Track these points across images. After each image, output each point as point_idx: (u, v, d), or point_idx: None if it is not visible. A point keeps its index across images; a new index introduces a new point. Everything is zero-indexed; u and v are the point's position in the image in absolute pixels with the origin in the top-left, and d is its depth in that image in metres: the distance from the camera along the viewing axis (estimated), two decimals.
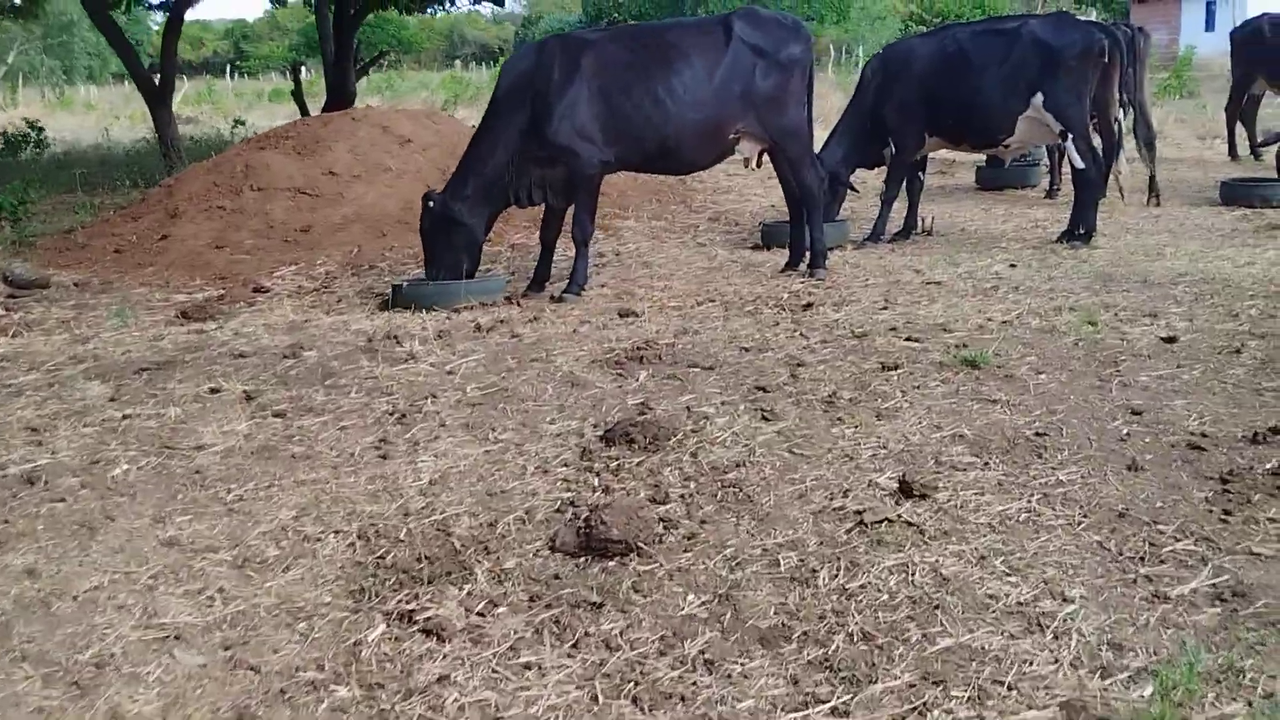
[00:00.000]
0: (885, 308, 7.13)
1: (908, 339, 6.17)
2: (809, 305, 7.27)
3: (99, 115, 30.93)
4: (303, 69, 28.09)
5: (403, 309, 7.95)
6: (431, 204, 8.14)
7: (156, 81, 16.86)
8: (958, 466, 4.53)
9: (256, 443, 4.90)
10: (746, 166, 8.77)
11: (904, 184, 10.55)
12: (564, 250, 8.96)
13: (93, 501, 4.38)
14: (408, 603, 3.55)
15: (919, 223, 10.80)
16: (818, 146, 10.03)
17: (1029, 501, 4.20)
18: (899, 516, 4.08)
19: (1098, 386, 5.37)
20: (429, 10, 20.95)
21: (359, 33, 21.36)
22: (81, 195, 14.30)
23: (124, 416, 5.28)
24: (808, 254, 8.90)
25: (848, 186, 10.49)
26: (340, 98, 19.26)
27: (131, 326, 7.68)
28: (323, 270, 9.84)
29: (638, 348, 5.99)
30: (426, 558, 3.88)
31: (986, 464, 4.56)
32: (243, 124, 22.12)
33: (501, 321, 6.96)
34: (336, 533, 4.10)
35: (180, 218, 10.86)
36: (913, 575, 3.63)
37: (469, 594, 3.62)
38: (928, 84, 9.98)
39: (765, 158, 8.82)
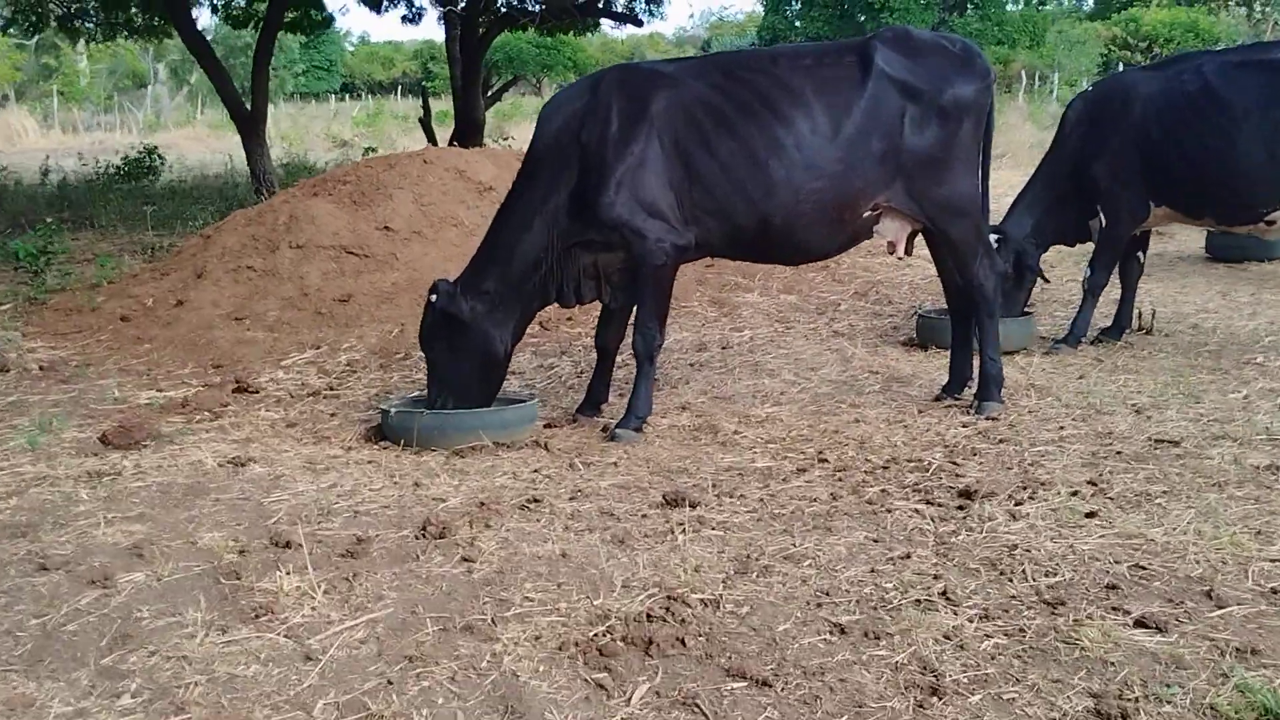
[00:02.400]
0: (1092, 514, 4.25)
1: (1139, 622, 3.34)
2: (968, 496, 4.48)
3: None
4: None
5: (392, 443, 5.59)
6: (435, 298, 5.74)
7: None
8: None
9: None
10: (892, 254, 6.04)
11: (1117, 267, 7.61)
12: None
13: None
14: None
15: (1134, 318, 7.82)
16: (998, 216, 7.23)
17: None
18: None
19: None
20: (569, 32, 18.73)
21: (496, 54, 19.23)
22: (152, 235, 12.54)
23: None
24: (974, 376, 6.15)
25: (1037, 273, 7.57)
26: (467, 126, 17.23)
27: (38, 451, 5.54)
28: (344, 359, 7.57)
29: (652, 614, 3.36)
30: None
31: None
32: (373, 150, 20.40)
33: (480, 505, 4.41)
34: None
35: (205, 278, 8.80)
36: None
37: None
38: (1155, 134, 7.02)
39: (918, 240, 6.09)
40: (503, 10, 16.65)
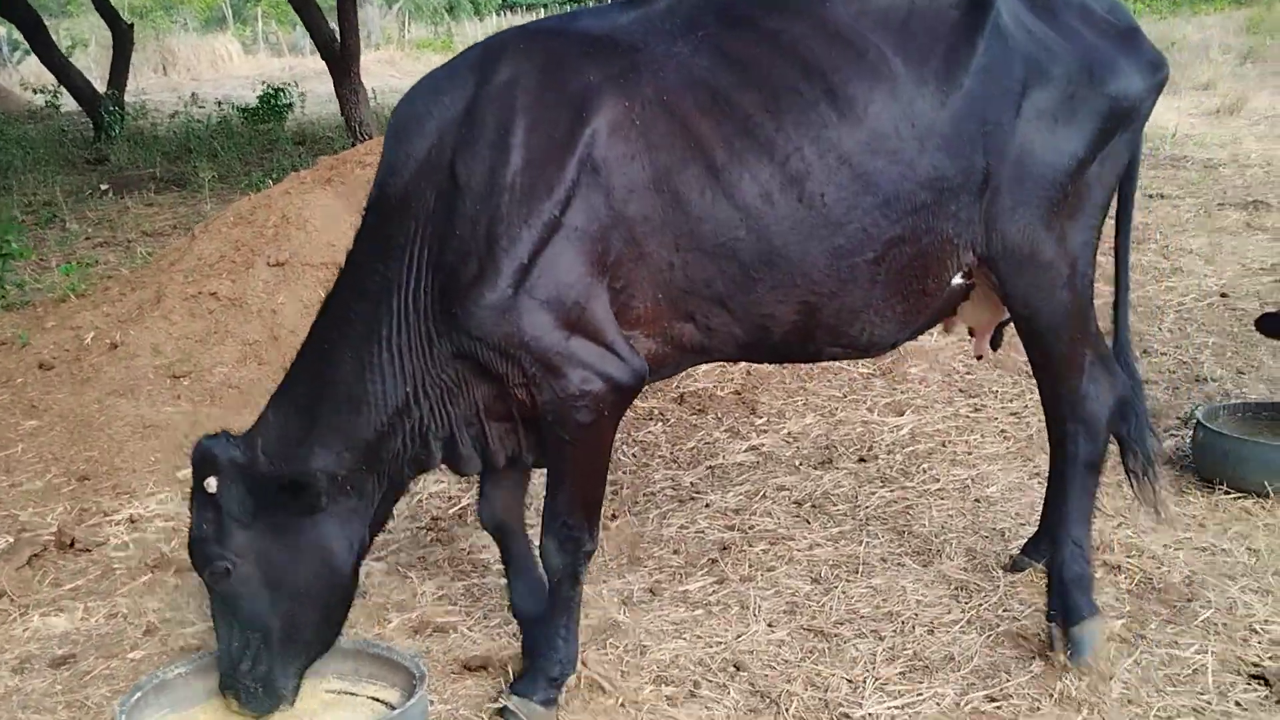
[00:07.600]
0: None
1: None
2: None
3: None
4: None
5: None
6: (215, 482, 2.92)
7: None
8: None
9: None
10: (980, 358, 2.95)
11: None
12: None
13: None
14: None
15: None
16: None
17: None
18: None
19: None
20: None
21: None
22: (209, 206, 10.34)
23: None
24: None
25: None
26: None
27: None
28: None
29: None
30: None
31: None
32: None
33: None
34: None
35: (160, 304, 6.35)
36: None
37: None
38: None
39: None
40: None
